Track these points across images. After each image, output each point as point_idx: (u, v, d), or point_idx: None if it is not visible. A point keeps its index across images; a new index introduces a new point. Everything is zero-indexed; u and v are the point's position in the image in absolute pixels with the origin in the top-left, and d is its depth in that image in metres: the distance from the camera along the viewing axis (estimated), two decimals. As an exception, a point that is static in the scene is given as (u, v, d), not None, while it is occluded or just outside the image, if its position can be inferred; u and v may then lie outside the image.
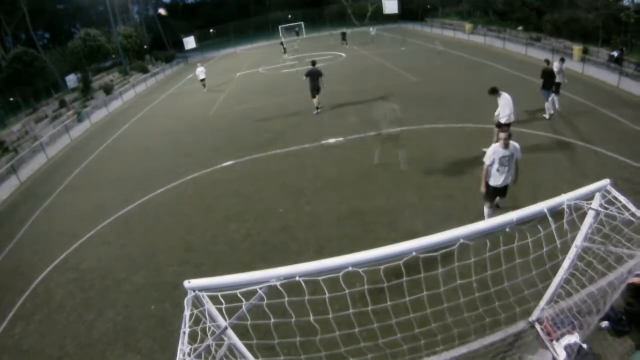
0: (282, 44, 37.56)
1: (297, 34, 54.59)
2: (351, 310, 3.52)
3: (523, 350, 5.39)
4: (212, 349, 3.34)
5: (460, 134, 13.98)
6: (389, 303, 3.62)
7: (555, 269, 4.61)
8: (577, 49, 24.91)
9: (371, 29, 44.00)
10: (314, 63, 18.84)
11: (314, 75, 18.13)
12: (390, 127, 12.35)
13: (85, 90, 34.83)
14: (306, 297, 3.07)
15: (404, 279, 3.38)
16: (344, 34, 42.54)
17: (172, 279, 8.64)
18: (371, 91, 20.60)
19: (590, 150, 11.74)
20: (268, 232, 9.85)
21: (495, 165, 7.95)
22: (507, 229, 3.22)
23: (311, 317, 3.28)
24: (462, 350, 5.48)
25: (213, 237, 9.91)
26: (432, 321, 4.41)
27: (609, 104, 15.69)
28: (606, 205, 3.81)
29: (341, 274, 2.87)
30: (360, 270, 2.85)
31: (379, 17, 55.67)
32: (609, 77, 19.82)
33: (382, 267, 3.06)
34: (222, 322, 3.36)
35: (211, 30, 65.91)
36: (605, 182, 3.75)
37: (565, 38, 28.94)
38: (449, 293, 3.98)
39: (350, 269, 2.83)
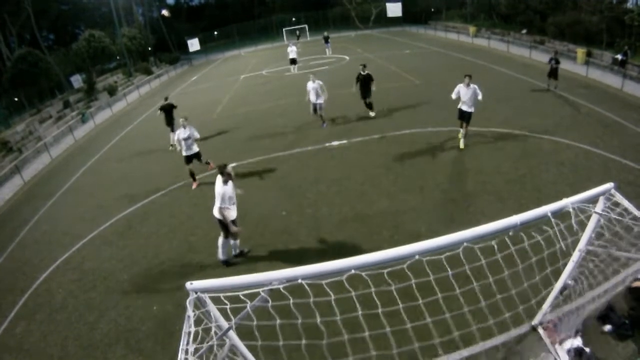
0: (294, 60, 31.47)
1: (298, 37, 54.54)
2: (360, 312, 3.51)
3: (525, 354, 5.36)
4: (215, 350, 3.34)
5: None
6: (395, 307, 3.61)
7: (558, 273, 4.59)
8: (580, 51, 24.89)
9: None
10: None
11: None
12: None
13: (89, 92, 34.95)
14: (311, 299, 3.07)
15: (413, 281, 3.37)
16: (326, 38, 39.09)
17: (174, 280, 8.65)
18: (375, 94, 20.59)
19: (594, 154, 11.71)
20: (271, 235, 9.86)
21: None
22: (511, 233, 3.21)
23: (318, 319, 3.28)
24: (464, 353, 5.46)
25: (216, 238, 9.90)
26: (433, 324, 4.39)
27: (612, 107, 15.65)
28: (610, 209, 3.79)
29: (344, 277, 2.86)
30: (363, 273, 2.84)
31: (382, 20, 55.76)
32: (612, 80, 19.78)
33: (385, 270, 3.06)
34: (224, 324, 3.36)
35: (215, 33, 66.08)
36: (609, 185, 3.73)
37: (569, 41, 28.89)
38: (452, 296, 3.97)
39: (353, 272, 2.82)
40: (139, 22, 57.92)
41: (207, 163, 13.73)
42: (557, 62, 18.32)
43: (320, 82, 16.50)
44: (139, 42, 48.42)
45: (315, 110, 17.01)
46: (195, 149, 12.95)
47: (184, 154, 12.81)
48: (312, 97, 16.63)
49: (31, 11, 40.07)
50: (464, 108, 12.74)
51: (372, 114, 17.58)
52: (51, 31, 54.59)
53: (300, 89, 22.27)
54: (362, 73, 16.78)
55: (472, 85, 12.48)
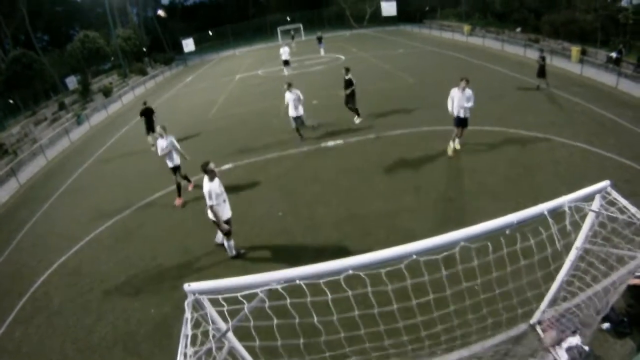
0: (286, 62, 30.59)
1: (293, 37, 54.46)
2: (356, 312, 3.51)
3: (524, 353, 5.38)
4: (213, 352, 3.34)
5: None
6: (395, 306, 3.62)
7: (556, 271, 4.61)
8: (575, 50, 24.94)
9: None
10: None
11: None
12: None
13: (85, 93, 34.80)
14: (308, 299, 3.07)
15: (409, 281, 3.38)
16: (320, 38, 38.15)
17: (171, 282, 8.63)
18: (369, 93, 20.61)
19: (590, 152, 11.76)
20: (267, 235, 9.85)
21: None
22: (508, 231, 3.22)
23: (315, 319, 3.28)
24: (464, 352, 5.47)
25: (212, 240, 9.90)
26: (437, 322, 4.40)
27: (607, 105, 15.72)
28: (606, 207, 3.81)
29: (342, 276, 2.86)
30: (361, 273, 2.84)
31: (377, 19, 55.79)
32: (607, 78, 19.86)
33: (383, 270, 3.06)
34: (223, 326, 3.35)
35: (210, 33, 65.91)
36: (605, 183, 3.75)
37: (564, 39, 28.97)
38: (450, 295, 3.98)
39: (350, 272, 2.83)
40: (134, 22, 57.71)
41: (187, 180, 12.75)
42: (543, 60, 18.29)
43: (298, 92, 14.77)
44: (133, 43, 48.21)
45: (297, 123, 15.16)
46: (177, 161, 12.02)
47: (168, 165, 12.05)
48: (291, 110, 14.85)
49: (26, 12, 39.88)
50: (462, 114, 11.90)
51: (357, 120, 16.73)
52: (46, 32, 54.33)
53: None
54: (345, 78, 15.82)
55: (467, 90, 11.63)
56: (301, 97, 14.76)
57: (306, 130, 15.64)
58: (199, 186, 12.10)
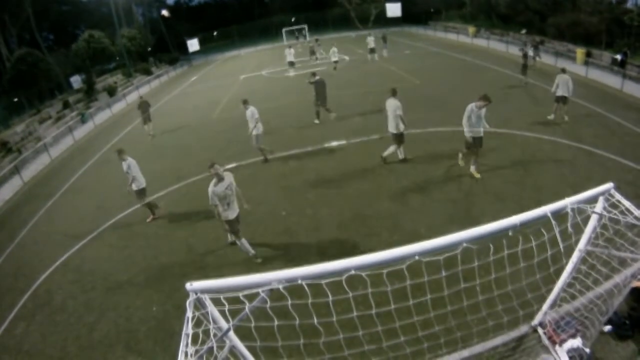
0: (292, 63, 31.36)
1: (297, 38, 54.56)
2: (355, 314, 3.50)
3: (525, 355, 5.36)
4: (215, 351, 3.34)
5: (463, 138, 13.92)
6: (392, 306, 3.61)
7: (558, 273, 4.59)
8: (580, 52, 24.88)
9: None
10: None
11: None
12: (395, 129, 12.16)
13: (89, 92, 34.94)
14: (309, 301, 3.06)
15: (408, 282, 3.37)
16: (316, 40, 38.23)
17: (173, 281, 8.64)
18: (374, 94, 20.58)
19: (594, 154, 11.72)
20: (270, 235, 9.86)
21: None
22: (511, 233, 3.20)
23: (315, 320, 3.27)
24: (465, 353, 5.45)
25: (215, 239, 9.91)
26: (435, 324, 4.39)
27: (612, 107, 15.66)
28: (610, 209, 3.79)
29: (344, 277, 2.85)
30: (363, 274, 2.83)
31: (382, 20, 55.76)
32: (612, 81, 19.79)
33: (385, 270, 3.05)
34: (224, 325, 3.35)
35: (215, 33, 66.04)
36: (608, 185, 3.72)
37: (569, 41, 28.90)
38: (452, 297, 3.96)
39: (353, 272, 2.82)
40: (139, 22, 57.88)
41: (150, 208, 11.76)
42: (525, 57, 19.15)
43: (253, 108, 13.80)
44: (138, 43, 48.42)
45: (257, 141, 14.15)
46: (138, 185, 11.30)
47: (132, 188, 11.32)
48: (251, 128, 13.93)
49: (31, 12, 40.06)
50: (477, 134, 10.64)
51: (317, 121, 17.93)
52: (51, 32, 54.61)
53: (299, 90, 22.28)
54: (313, 80, 17.03)
55: (483, 110, 10.36)
56: (256, 115, 13.71)
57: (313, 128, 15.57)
58: (161, 217, 11.88)
